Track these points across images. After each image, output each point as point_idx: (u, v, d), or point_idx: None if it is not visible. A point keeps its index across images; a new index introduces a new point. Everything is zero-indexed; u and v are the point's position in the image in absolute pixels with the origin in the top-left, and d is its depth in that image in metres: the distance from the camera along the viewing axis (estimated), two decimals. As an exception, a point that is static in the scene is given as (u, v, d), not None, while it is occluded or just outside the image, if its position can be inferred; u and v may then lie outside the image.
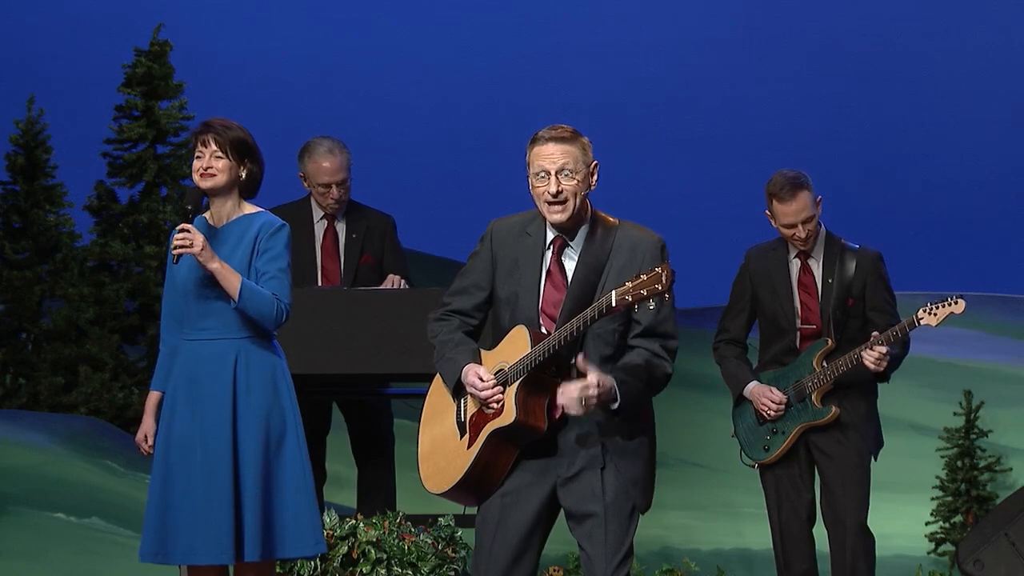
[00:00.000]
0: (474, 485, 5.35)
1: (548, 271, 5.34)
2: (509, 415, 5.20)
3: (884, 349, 6.70)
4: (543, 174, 5.24)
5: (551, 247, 5.34)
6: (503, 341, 5.31)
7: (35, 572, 8.56)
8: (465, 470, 5.31)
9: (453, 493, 5.42)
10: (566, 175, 5.23)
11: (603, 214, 5.36)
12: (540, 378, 5.22)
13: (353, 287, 7.68)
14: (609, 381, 5.10)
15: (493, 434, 5.25)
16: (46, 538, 8.97)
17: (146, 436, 5.92)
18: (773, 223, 6.86)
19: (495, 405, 5.26)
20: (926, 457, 11.01)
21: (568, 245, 5.32)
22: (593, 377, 5.07)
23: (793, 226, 6.80)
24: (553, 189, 5.22)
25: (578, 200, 5.25)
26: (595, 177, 5.29)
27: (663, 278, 4.95)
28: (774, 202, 6.80)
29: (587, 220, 5.30)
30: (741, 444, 6.99)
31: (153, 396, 5.92)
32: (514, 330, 5.29)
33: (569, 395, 5.09)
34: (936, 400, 11.92)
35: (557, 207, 5.25)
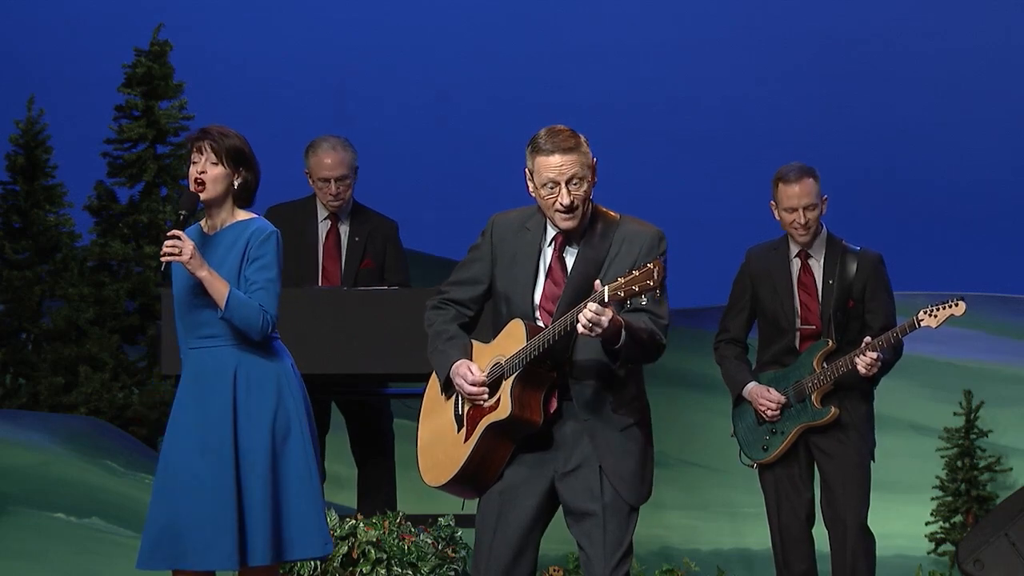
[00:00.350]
0: (471, 478, 5.36)
1: (549, 267, 5.35)
2: (504, 409, 5.21)
3: (875, 355, 6.70)
4: (551, 185, 5.24)
5: (552, 243, 5.35)
6: (500, 335, 5.33)
7: (35, 572, 8.56)
8: (462, 463, 5.33)
9: (451, 486, 5.43)
10: (575, 184, 5.24)
11: (604, 209, 5.37)
12: (536, 372, 5.23)
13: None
14: (620, 321, 5.10)
15: (489, 428, 5.26)
16: (46, 538, 8.96)
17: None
18: (776, 213, 6.86)
19: (480, 402, 5.28)
20: (926, 457, 11.00)
21: (569, 242, 5.33)
22: (610, 311, 5.06)
23: (794, 210, 6.79)
24: (566, 201, 5.23)
25: (586, 204, 5.27)
26: (595, 175, 5.31)
27: (655, 274, 4.96)
28: (779, 185, 6.80)
29: (588, 216, 5.31)
30: (740, 444, 6.99)
31: None
32: (511, 324, 5.30)
33: (586, 313, 5.05)
34: (936, 400, 11.91)
35: (568, 215, 5.26)
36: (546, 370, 5.24)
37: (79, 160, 12.26)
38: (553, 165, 5.23)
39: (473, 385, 5.29)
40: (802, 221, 6.80)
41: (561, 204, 5.23)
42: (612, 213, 5.37)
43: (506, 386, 5.23)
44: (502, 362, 5.26)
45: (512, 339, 5.26)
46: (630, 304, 5.06)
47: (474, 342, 5.43)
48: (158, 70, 12.14)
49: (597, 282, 5.07)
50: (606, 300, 5.02)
